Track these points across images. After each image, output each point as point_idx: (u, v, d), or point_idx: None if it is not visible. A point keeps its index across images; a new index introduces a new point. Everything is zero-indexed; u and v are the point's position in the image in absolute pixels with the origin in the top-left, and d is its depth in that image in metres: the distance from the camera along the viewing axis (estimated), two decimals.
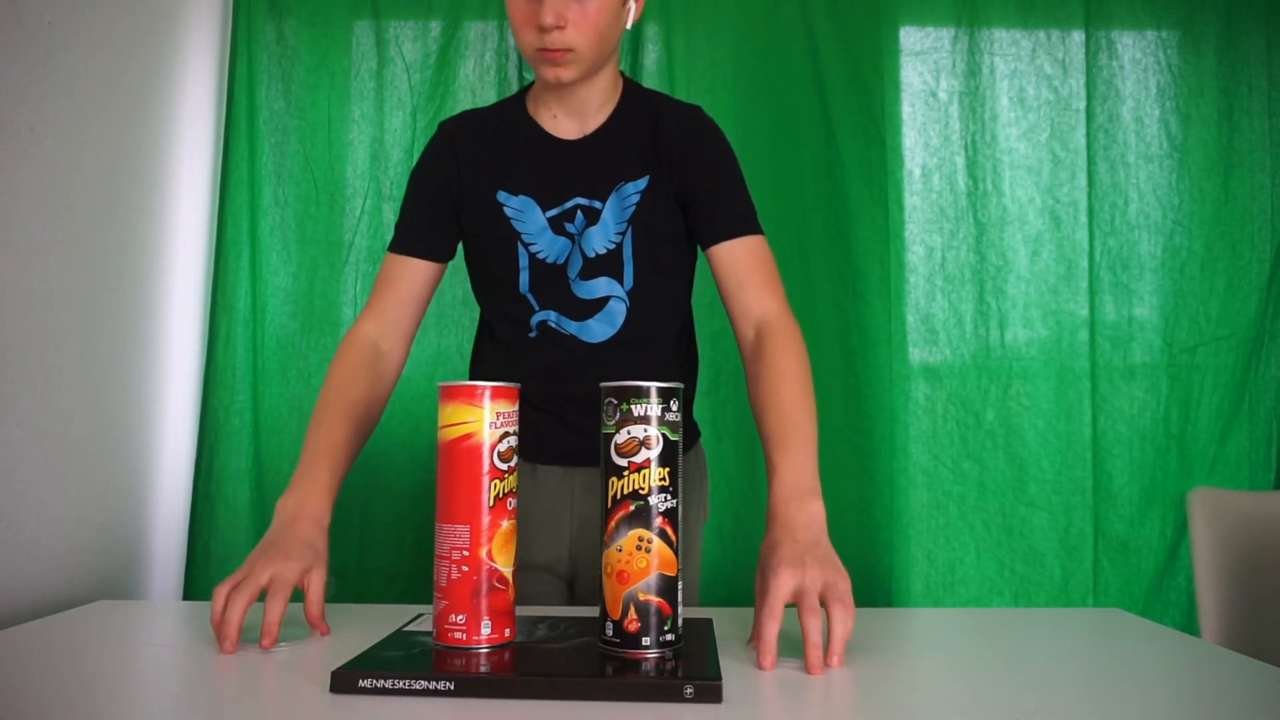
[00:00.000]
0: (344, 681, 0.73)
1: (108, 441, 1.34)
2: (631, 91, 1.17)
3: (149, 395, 1.46)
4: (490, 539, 0.81)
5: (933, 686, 0.82)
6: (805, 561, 0.83)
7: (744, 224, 1.11)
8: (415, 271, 1.14)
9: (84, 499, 1.28)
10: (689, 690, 0.71)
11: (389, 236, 1.65)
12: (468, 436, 0.81)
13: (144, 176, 1.43)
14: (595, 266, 1.11)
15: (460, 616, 0.80)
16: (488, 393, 0.82)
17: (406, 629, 0.89)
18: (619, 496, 0.79)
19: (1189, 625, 1.57)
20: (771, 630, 0.80)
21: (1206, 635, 1.26)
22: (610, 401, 0.80)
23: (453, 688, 0.72)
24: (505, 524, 0.82)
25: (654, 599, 0.78)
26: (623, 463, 0.79)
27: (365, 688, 0.73)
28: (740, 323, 1.09)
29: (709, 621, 0.94)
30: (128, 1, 1.38)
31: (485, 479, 0.81)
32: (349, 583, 1.61)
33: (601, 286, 1.11)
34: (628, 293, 1.12)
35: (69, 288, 1.24)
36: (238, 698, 0.74)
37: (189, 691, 0.79)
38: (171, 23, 1.52)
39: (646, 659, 0.78)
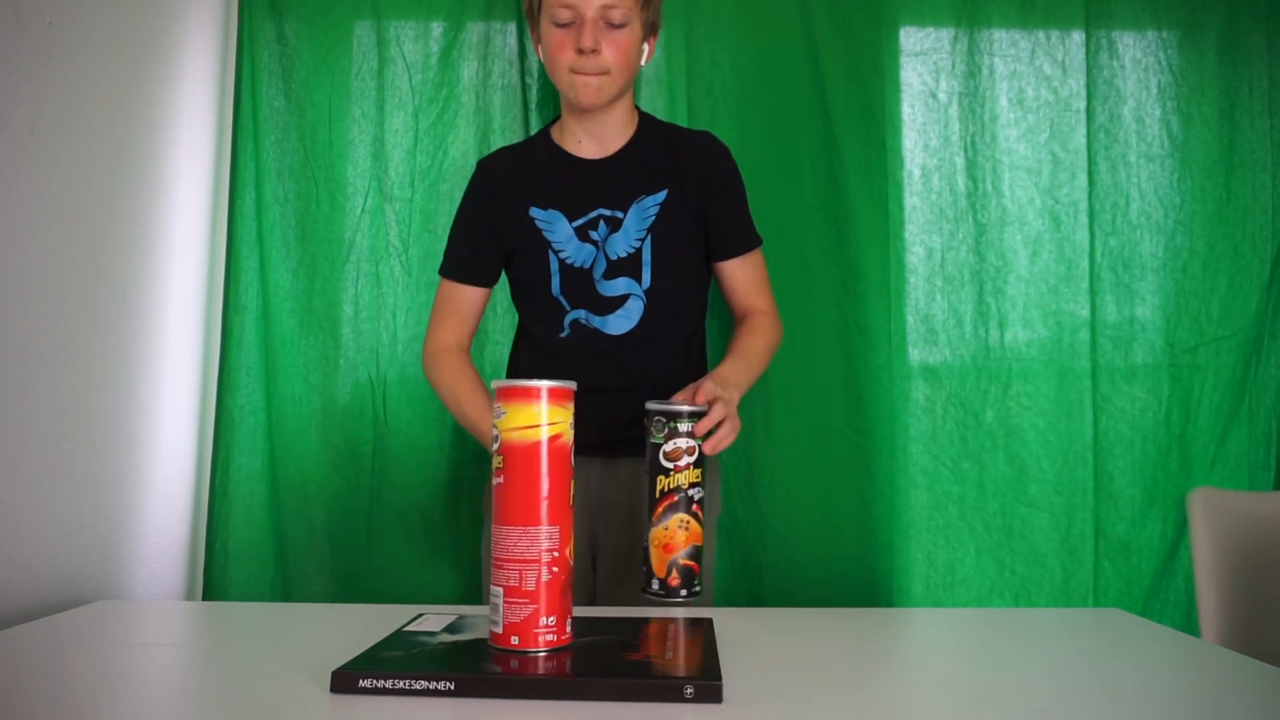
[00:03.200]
0: (344, 681, 0.73)
1: (106, 441, 1.34)
2: (647, 121, 1.35)
3: (149, 395, 1.46)
4: (570, 538, 0.82)
5: (933, 687, 0.82)
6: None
7: (748, 242, 1.33)
8: (469, 295, 1.34)
9: (83, 499, 1.28)
10: (689, 690, 0.71)
11: (390, 235, 1.68)
12: (559, 435, 0.81)
13: (143, 175, 1.43)
14: (617, 268, 1.26)
15: (552, 619, 0.79)
16: (572, 394, 0.83)
17: (406, 629, 0.89)
18: (666, 490, 1.02)
19: (1189, 625, 1.56)
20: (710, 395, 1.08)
21: (1206, 635, 1.26)
22: (659, 420, 1.03)
23: (453, 688, 0.73)
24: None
25: (690, 562, 1.03)
26: (669, 465, 1.02)
27: (365, 688, 0.73)
28: (740, 314, 1.34)
29: (709, 621, 0.94)
30: (128, 1, 1.38)
31: (570, 479, 0.82)
32: (353, 583, 1.61)
33: (621, 285, 1.26)
34: (645, 291, 1.26)
35: (68, 286, 1.24)
36: (238, 698, 0.74)
37: (189, 691, 0.79)
38: (172, 23, 1.52)
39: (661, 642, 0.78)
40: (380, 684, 0.73)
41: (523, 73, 1.69)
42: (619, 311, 1.26)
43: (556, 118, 1.36)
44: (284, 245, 1.65)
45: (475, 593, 1.59)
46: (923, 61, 1.72)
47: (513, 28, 1.70)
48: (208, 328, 1.64)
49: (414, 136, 1.68)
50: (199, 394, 1.63)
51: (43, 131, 1.17)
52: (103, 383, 1.33)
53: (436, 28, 1.70)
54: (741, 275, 1.32)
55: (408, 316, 1.66)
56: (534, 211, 1.28)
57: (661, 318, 1.26)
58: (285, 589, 1.60)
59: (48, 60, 1.18)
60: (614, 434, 1.23)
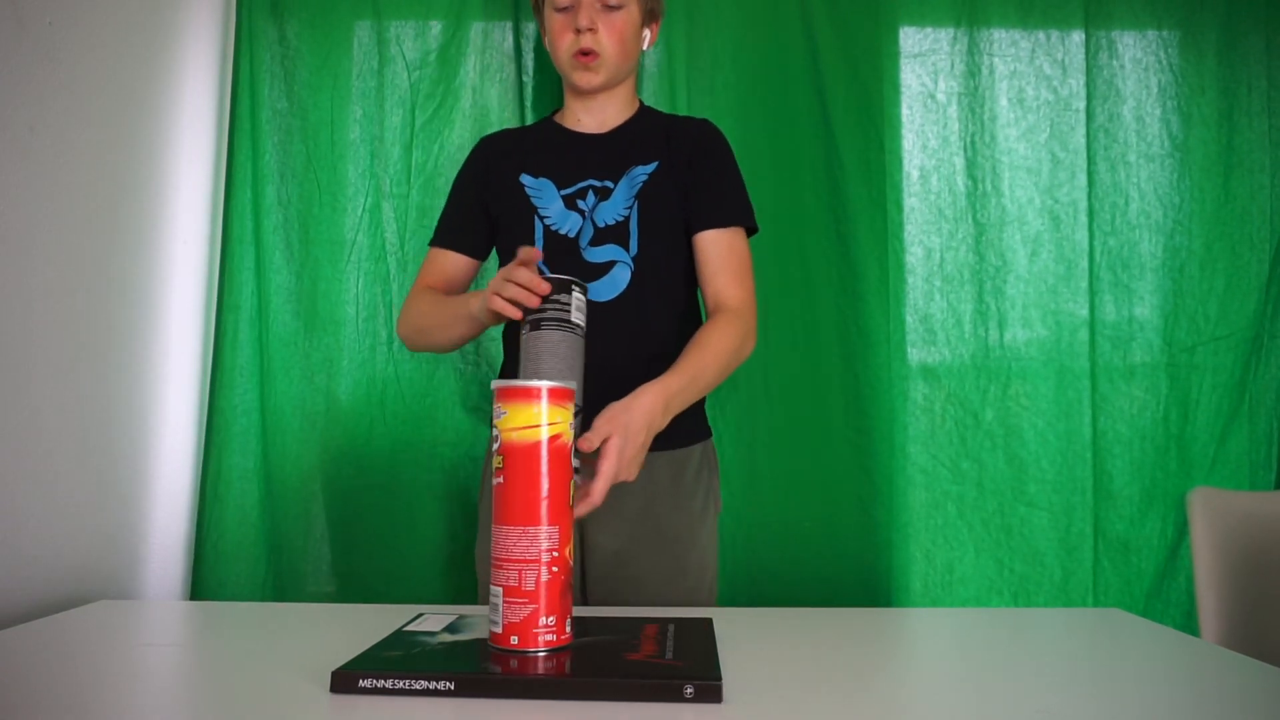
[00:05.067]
0: (344, 681, 0.73)
1: (108, 441, 1.34)
2: (647, 108, 1.37)
3: (149, 394, 1.46)
4: (570, 539, 0.82)
5: (932, 686, 0.82)
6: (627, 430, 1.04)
7: (724, 214, 1.27)
8: (455, 263, 1.33)
9: (84, 499, 1.28)
10: (689, 690, 0.71)
11: (390, 235, 1.68)
12: (559, 435, 0.81)
13: (144, 176, 1.43)
14: (605, 235, 1.25)
15: (551, 619, 0.80)
16: (573, 394, 0.84)
17: (406, 629, 0.89)
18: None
19: (1189, 625, 1.57)
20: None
21: (1206, 635, 1.26)
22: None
23: (453, 688, 0.73)
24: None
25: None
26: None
27: (365, 688, 0.73)
28: (710, 303, 1.26)
29: (709, 621, 0.94)
30: (128, 1, 1.38)
31: (569, 479, 0.83)
32: (352, 583, 1.61)
33: (608, 252, 1.25)
34: (633, 258, 1.25)
35: (69, 287, 1.24)
36: (238, 698, 0.74)
37: (189, 691, 0.79)
38: (172, 23, 1.52)
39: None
40: (380, 684, 0.73)
41: (519, 70, 1.69)
42: (605, 278, 1.24)
43: (560, 106, 1.38)
44: (287, 247, 1.65)
45: (474, 593, 1.59)
46: (922, 62, 1.72)
47: (510, 26, 1.70)
48: (207, 328, 1.65)
49: (410, 133, 1.68)
50: (200, 394, 1.63)
51: (43, 131, 1.17)
52: (105, 383, 1.33)
53: (436, 27, 1.70)
54: (715, 253, 1.25)
55: None
56: (524, 178, 1.29)
57: (649, 286, 1.25)
58: (278, 590, 1.60)
59: (48, 60, 1.18)
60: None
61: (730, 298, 1.24)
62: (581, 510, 0.98)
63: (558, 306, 1.05)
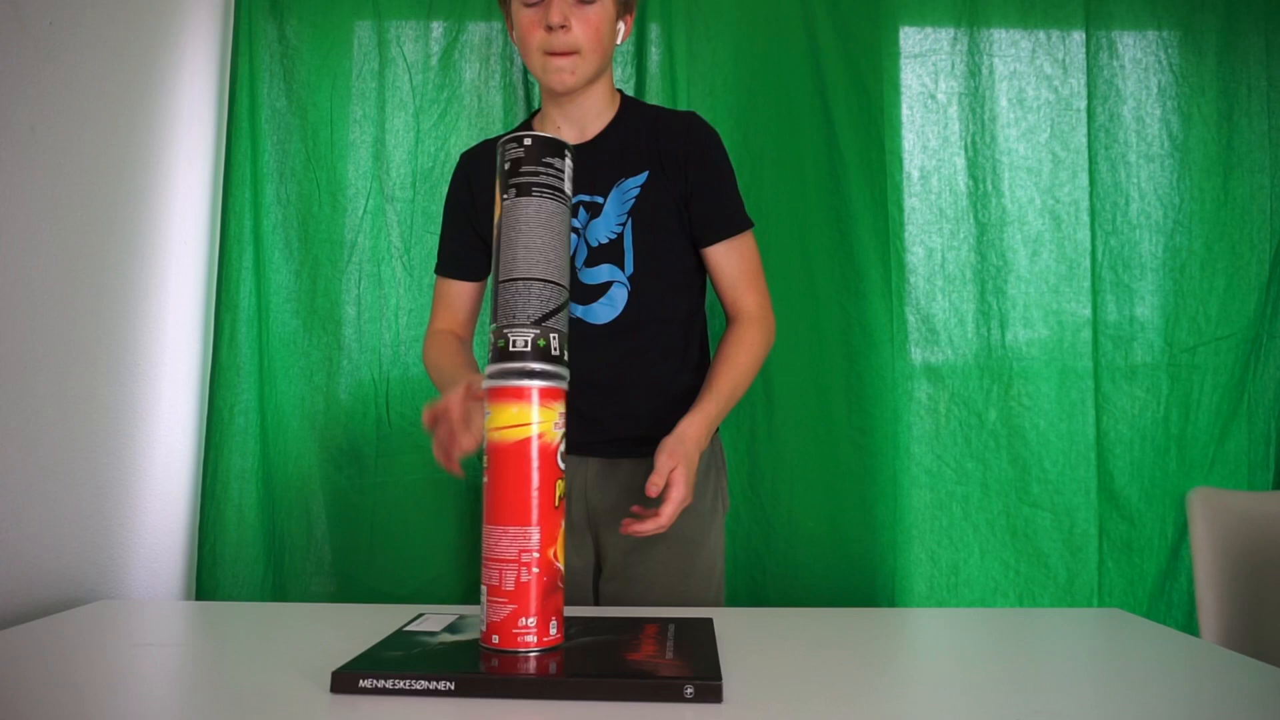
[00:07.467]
0: (344, 682, 0.73)
1: (106, 441, 1.34)
2: (629, 103, 1.29)
3: (149, 394, 1.46)
4: (555, 540, 0.81)
5: (933, 686, 0.82)
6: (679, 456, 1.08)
7: (732, 225, 1.25)
8: (460, 290, 1.31)
9: (83, 499, 1.28)
10: (689, 690, 0.71)
11: (391, 236, 1.68)
12: (541, 436, 0.81)
13: (144, 176, 1.43)
14: (599, 255, 1.21)
15: (532, 620, 0.79)
16: (561, 394, 0.83)
17: (407, 629, 0.89)
18: None
19: (1191, 626, 1.56)
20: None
21: (1206, 635, 1.26)
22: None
23: (453, 688, 0.73)
24: (563, 524, 0.83)
25: None
26: None
27: (365, 688, 0.73)
28: (728, 310, 1.27)
29: (709, 621, 0.94)
30: (128, 2, 1.38)
31: (555, 480, 0.82)
32: (355, 583, 1.61)
33: (604, 273, 1.21)
34: (629, 278, 1.21)
35: (68, 287, 1.24)
36: (238, 698, 0.74)
37: (189, 691, 0.79)
38: (172, 23, 1.52)
39: None
40: (380, 684, 0.73)
41: (525, 72, 1.69)
42: (602, 300, 1.21)
43: (539, 109, 1.31)
44: (286, 246, 1.65)
45: (478, 592, 1.59)
46: (922, 62, 1.72)
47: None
48: (206, 327, 1.65)
49: (415, 137, 1.68)
50: (199, 394, 1.63)
51: (44, 132, 1.17)
52: (104, 383, 1.33)
53: (437, 28, 1.70)
54: (728, 264, 1.25)
55: (410, 317, 1.66)
56: None
57: (647, 305, 1.21)
58: (278, 590, 1.60)
59: (49, 61, 1.18)
60: (613, 434, 1.23)
61: (748, 304, 1.25)
62: (649, 530, 1.05)
63: (551, 172, 0.84)
